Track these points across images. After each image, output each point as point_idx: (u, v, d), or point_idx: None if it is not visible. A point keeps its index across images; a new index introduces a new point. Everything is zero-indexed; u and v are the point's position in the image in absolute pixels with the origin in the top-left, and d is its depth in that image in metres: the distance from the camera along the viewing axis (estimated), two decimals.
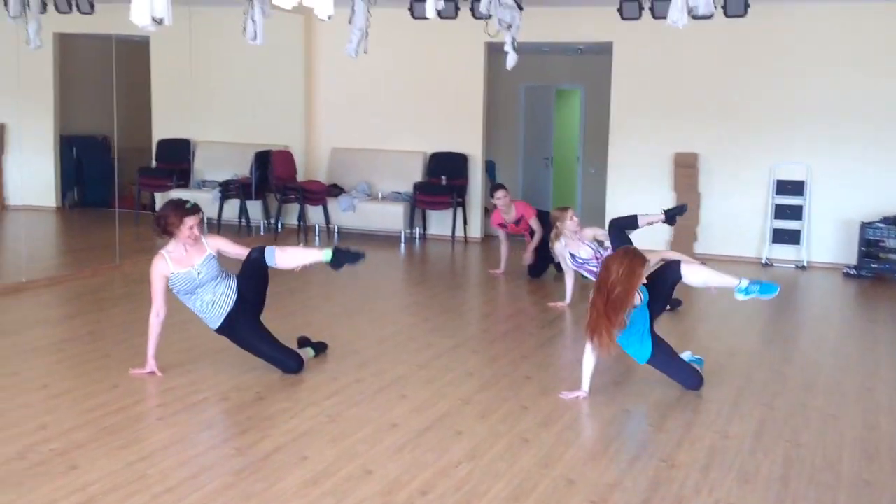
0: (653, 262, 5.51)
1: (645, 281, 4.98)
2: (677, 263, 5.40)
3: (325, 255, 5.41)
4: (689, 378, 5.22)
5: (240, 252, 5.48)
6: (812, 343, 6.67)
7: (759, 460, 4.26)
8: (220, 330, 5.42)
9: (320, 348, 5.87)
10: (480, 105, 11.08)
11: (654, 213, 7.81)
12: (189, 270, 5.29)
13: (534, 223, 8.69)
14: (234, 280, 5.43)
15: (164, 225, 5.27)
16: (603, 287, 4.89)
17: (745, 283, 5.31)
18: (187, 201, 5.34)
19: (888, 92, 9.51)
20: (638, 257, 4.94)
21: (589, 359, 5.08)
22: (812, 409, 5.04)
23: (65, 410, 4.70)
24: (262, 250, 5.39)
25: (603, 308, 4.84)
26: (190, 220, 5.24)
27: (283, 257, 5.39)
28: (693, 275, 5.35)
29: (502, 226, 8.83)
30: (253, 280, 5.45)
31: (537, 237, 8.62)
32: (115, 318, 6.85)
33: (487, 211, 11.63)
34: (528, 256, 8.65)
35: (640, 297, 5.00)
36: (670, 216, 7.62)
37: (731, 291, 5.37)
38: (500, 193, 8.72)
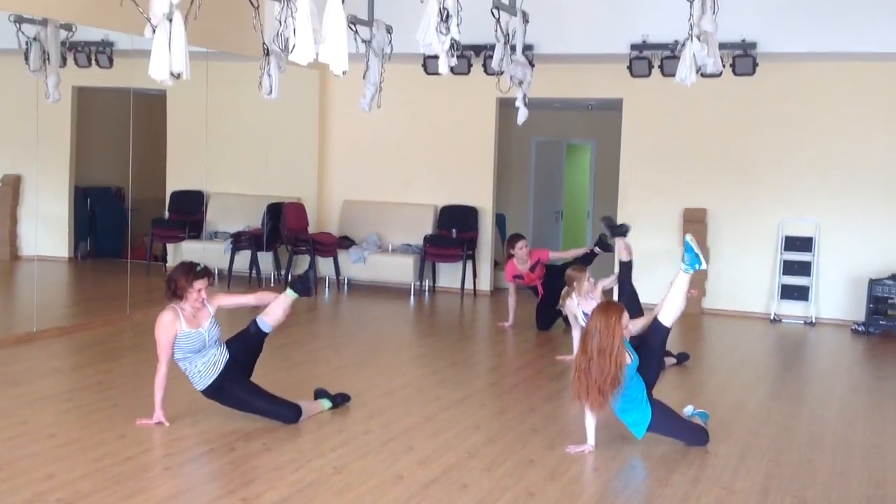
0: (641, 324, 5.45)
1: (629, 335, 4.99)
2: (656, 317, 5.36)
3: (289, 293, 5.62)
4: (696, 436, 5.21)
5: (240, 301, 5.74)
6: (819, 399, 6.65)
7: None
8: (208, 390, 5.44)
9: (340, 400, 5.89)
10: (491, 159, 11.20)
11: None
12: (199, 331, 5.34)
13: (552, 256, 8.96)
14: (224, 344, 5.51)
15: (175, 289, 5.35)
16: (584, 344, 4.93)
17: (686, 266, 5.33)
18: (198, 264, 5.42)
19: (894, 149, 9.57)
20: (614, 306, 4.99)
21: (591, 414, 5.09)
22: (818, 465, 5.02)
23: (72, 460, 4.73)
24: (255, 324, 5.56)
25: (586, 364, 4.87)
26: (199, 284, 5.32)
27: (269, 318, 5.55)
28: (667, 312, 5.21)
29: (518, 277, 8.83)
30: (247, 346, 5.59)
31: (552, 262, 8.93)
32: (125, 368, 6.89)
33: (498, 264, 11.69)
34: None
35: (630, 357, 4.99)
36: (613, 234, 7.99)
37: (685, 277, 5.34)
38: (521, 244, 8.74)
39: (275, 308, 5.58)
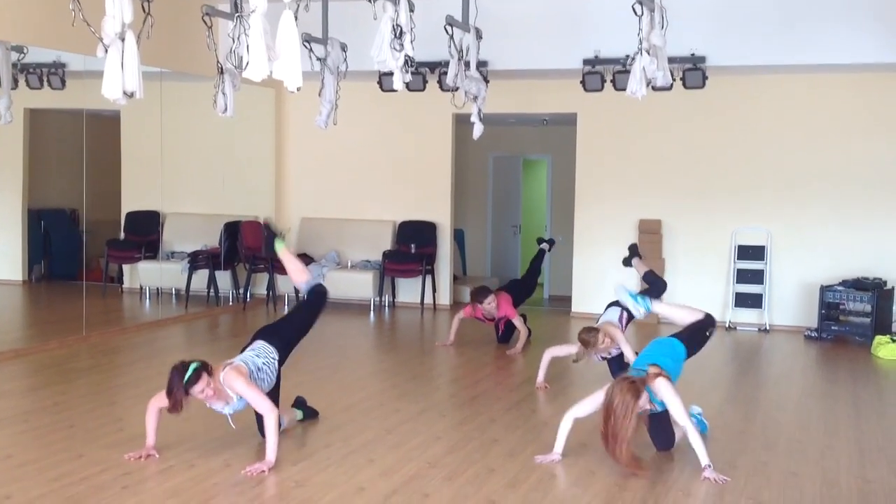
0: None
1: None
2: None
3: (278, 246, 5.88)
4: (668, 441, 5.28)
5: (257, 403, 5.02)
6: (773, 403, 6.77)
7: None
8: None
9: (311, 414, 5.91)
10: (449, 175, 11.27)
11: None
12: (223, 410, 5.12)
13: (518, 324, 8.63)
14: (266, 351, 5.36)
15: (176, 405, 4.88)
16: (606, 416, 4.87)
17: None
18: (186, 368, 4.88)
19: (845, 158, 9.81)
20: (630, 390, 4.83)
21: (567, 422, 5.13)
22: (773, 467, 5.12)
23: (29, 480, 4.68)
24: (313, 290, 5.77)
25: (607, 435, 4.86)
26: (197, 388, 4.88)
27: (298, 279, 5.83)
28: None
29: (480, 319, 8.71)
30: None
31: (522, 336, 8.57)
32: (81, 389, 6.82)
33: (457, 278, 11.75)
34: (517, 352, 8.46)
35: (653, 406, 5.01)
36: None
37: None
38: (490, 299, 8.46)
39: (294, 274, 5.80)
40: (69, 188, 10.07)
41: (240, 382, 4.98)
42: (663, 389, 4.96)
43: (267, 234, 5.97)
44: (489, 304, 8.48)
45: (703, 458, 4.86)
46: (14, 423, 5.82)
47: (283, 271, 11.12)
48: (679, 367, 5.28)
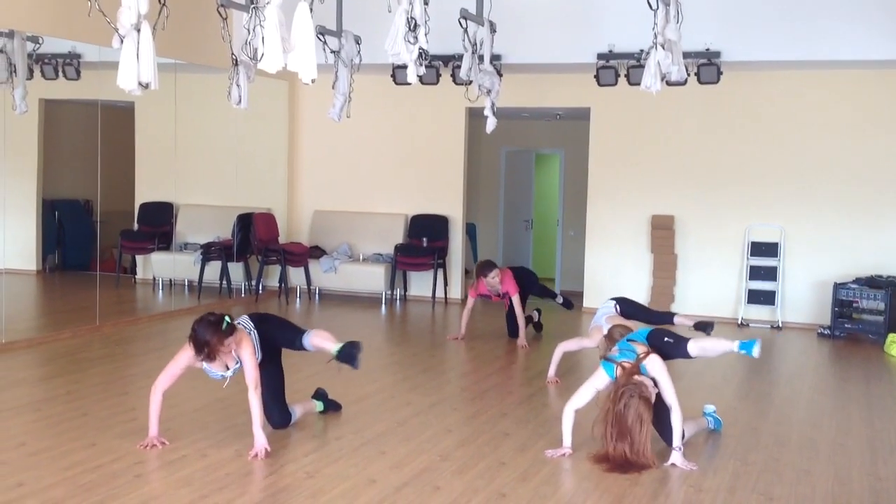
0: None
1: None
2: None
3: (333, 350, 5.49)
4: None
5: (251, 372, 5.11)
6: (786, 400, 6.75)
7: None
8: None
9: (333, 407, 5.94)
10: (461, 168, 11.26)
11: (690, 315, 7.93)
12: (223, 374, 5.20)
13: (515, 302, 8.63)
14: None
15: (207, 352, 4.99)
16: (621, 431, 4.85)
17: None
18: (220, 320, 5.00)
19: (860, 155, 9.76)
20: (645, 405, 4.86)
21: (569, 415, 5.14)
22: (785, 463, 5.10)
23: (42, 468, 4.70)
24: (301, 341, 5.47)
25: (613, 440, 4.86)
26: (231, 340, 5.02)
27: (314, 343, 5.49)
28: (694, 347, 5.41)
29: (484, 296, 8.76)
30: (280, 344, 5.57)
31: (521, 320, 8.59)
32: (94, 378, 6.85)
33: (468, 272, 11.75)
34: (522, 345, 8.48)
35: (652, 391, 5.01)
36: (698, 327, 7.29)
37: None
38: (493, 273, 8.51)
39: (323, 344, 5.50)
40: (83, 179, 10.11)
41: (248, 344, 5.10)
42: (657, 367, 5.02)
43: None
44: (493, 279, 8.54)
45: (677, 440, 4.92)
46: (27, 411, 5.86)
47: (295, 264, 11.18)
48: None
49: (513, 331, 8.81)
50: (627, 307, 7.27)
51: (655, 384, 5.02)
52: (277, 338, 5.48)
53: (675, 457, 4.89)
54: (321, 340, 5.50)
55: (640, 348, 5.13)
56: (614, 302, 7.21)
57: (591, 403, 5.18)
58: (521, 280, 8.88)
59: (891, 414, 6.35)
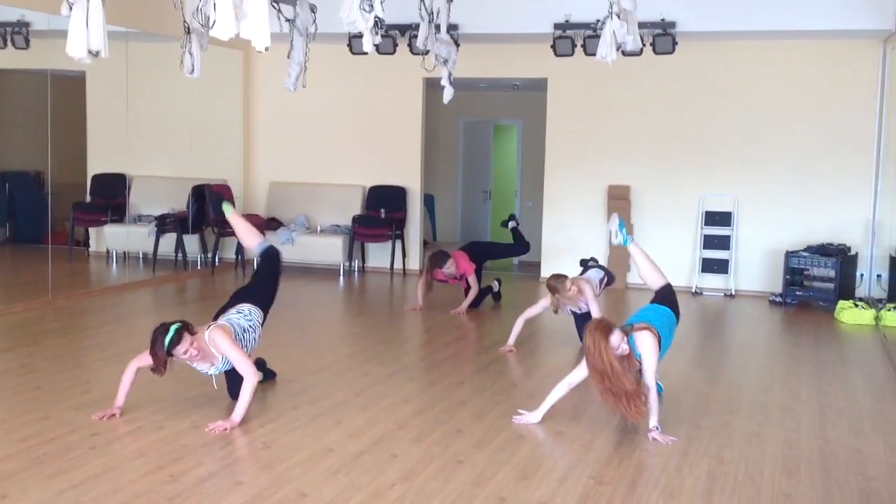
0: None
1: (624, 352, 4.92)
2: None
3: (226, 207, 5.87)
4: None
5: (241, 364, 5.03)
6: (737, 366, 6.86)
7: (685, 476, 4.39)
8: None
9: (269, 376, 5.92)
10: (419, 139, 11.23)
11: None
12: (208, 371, 5.15)
13: (472, 280, 8.71)
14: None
15: (160, 366, 4.90)
16: (593, 373, 4.88)
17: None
18: (167, 329, 4.85)
19: (811, 126, 9.89)
20: (598, 329, 4.85)
21: (560, 389, 5.15)
22: (736, 428, 5.20)
23: None
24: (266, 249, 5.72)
25: (601, 386, 4.84)
26: (181, 349, 4.87)
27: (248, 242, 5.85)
28: (650, 279, 5.65)
29: (442, 280, 8.78)
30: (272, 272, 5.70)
31: (472, 293, 8.70)
32: (48, 352, 6.78)
33: (427, 243, 11.77)
34: (461, 312, 8.61)
35: (637, 363, 5.00)
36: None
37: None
38: (448, 263, 8.55)
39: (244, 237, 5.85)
40: (34, 150, 9.94)
41: (225, 342, 5.00)
42: (646, 343, 4.97)
43: (212, 198, 5.97)
44: (448, 269, 8.58)
45: (653, 420, 4.94)
46: None
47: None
48: (672, 334, 5.36)
49: (472, 302, 8.80)
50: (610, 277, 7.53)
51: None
52: (270, 295, 5.58)
53: (655, 434, 4.91)
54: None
55: (642, 324, 5.06)
56: (603, 272, 7.44)
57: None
58: (475, 255, 8.89)
59: (840, 379, 6.49)
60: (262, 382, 5.80)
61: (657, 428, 4.92)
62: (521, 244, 9.61)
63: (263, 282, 5.73)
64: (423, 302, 8.79)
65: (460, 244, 11.21)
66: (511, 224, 9.72)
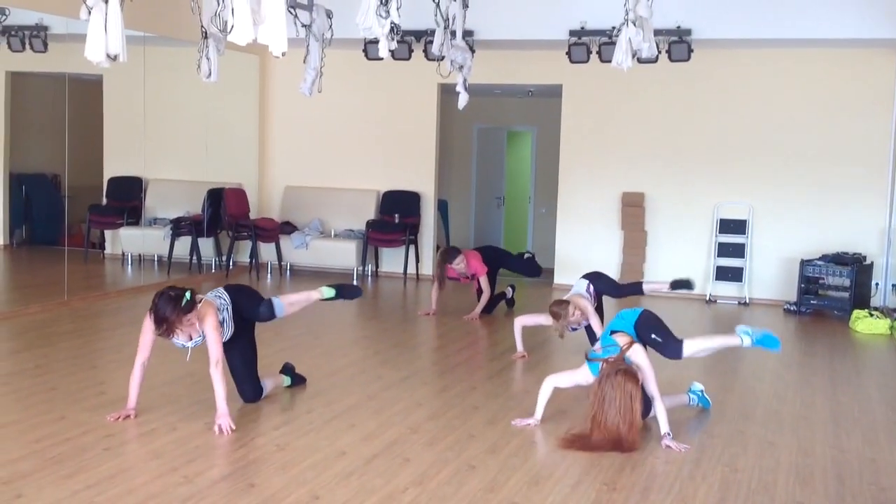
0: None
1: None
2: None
3: (324, 292, 5.77)
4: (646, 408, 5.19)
5: (213, 345, 5.08)
6: (751, 374, 6.84)
7: (698, 484, 4.38)
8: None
9: (298, 381, 5.94)
10: (433, 145, 11.25)
11: (659, 281, 8.23)
12: (185, 344, 5.17)
13: (483, 282, 8.67)
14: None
15: (166, 328, 4.96)
16: (599, 398, 4.83)
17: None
18: (181, 295, 4.94)
19: (827, 135, 9.86)
20: (632, 381, 4.82)
21: (547, 389, 5.19)
22: (750, 435, 5.19)
23: (10, 441, 4.68)
24: (270, 306, 5.43)
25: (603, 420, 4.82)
26: (192, 315, 5.00)
27: (288, 307, 5.58)
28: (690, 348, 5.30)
29: (454, 278, 8.78)
30: (247, 316, 5.46)
31: (485, 296, 8.68)
32: (63, 353, 6.82)
33: (439, 247, 11.77)
34: (473, 317, 8.61)
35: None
36: (675, 285, 7.47)
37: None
38: (458, 259, 8.53)
39: (301, 300, 5.67)
40: (51, 153, 10.00)
41: (212, 318, 5.06)
42: (640, 357, 5.03)
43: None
44: (458, 265, 8.57)
45: (664, 427, 4.93)
46: None
47: (266, 239, 11.15)
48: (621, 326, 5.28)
49: (486, 308, 8.78)
50: (600, 284, 7.30)
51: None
52: (248, 310, 5.44)
53: (668, 441, 4.90)
54: (299, 298, 5.67)
55: (623, 339, 5.08)
56: (587, 282, 7.17)
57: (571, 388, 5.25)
58: (489, 258, 8.88)
59: (854, 388, 6.46)
60: (290, 387, 5.84)
61: (669, 434, 4.91)
62: (533, 267, 9.39)
63: (248, 311, 5.47)
64: (436, 307, 8.79)
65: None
66: (527, 255, 9.57)
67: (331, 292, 5.76)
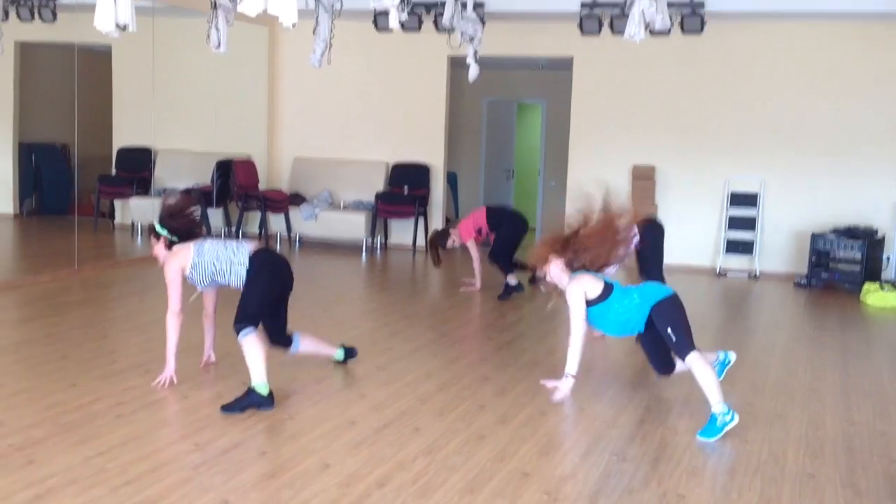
0: None
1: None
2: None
3: (338, 354, 5.69)
4: (667, 365, 5.14)
5: (169, 292, 5.04)
6: (762, 347, 6.83)
7: (707, 455, 4.39)
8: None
9: (351, 354, 5.81)
10: (443, 117, 11.20)
11: None
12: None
13: (471, 248, 8.52)
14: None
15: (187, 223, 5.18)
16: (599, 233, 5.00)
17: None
18: (159, 221, 5.15)
19: (839, 108, 9.78)
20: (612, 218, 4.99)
21: (577, 340, 5.03)
22: (760, 408, 5.18)
23: (22, 408, 4.71)
24: (292, 339, 5.37)
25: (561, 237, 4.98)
26: (155, 243, 5.17)
27: (303, 348, 5.43)
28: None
29: (477, 232, 8.52)
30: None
31: (475, 264, 8.56)
32: (74, 322, 6.84)
33: (449, 221, 11.77)
34: (470, 286, 8.60)
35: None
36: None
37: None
38: (450, 241, 8.60)
39: (319, 349, 5.60)
40: (60, 123, 10.00)
41: (169, 265, 5.02)
42: (572, 286, 5.01)
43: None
44: (452, 245, 8.60)
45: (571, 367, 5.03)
46: (6, 353, 5.85)
47: (275, 210, 11.14)
48: (626, 322, 5.01)
49: (502, 296, 8.53)
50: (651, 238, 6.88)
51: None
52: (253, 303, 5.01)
53: (565, 382, 5.01)
54: (315, 347, 5.57)
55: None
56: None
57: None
58: (494, 217, 8.57)
59: (865, 361, 6.45)
60: (340, 363, 5.76)
61: (568, 376, 4.99)
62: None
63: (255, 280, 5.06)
64: (479, 283, 8.61)
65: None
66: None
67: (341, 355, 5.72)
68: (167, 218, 5.16)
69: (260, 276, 4.96)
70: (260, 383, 4.78)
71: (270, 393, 4.80)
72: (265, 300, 5.00)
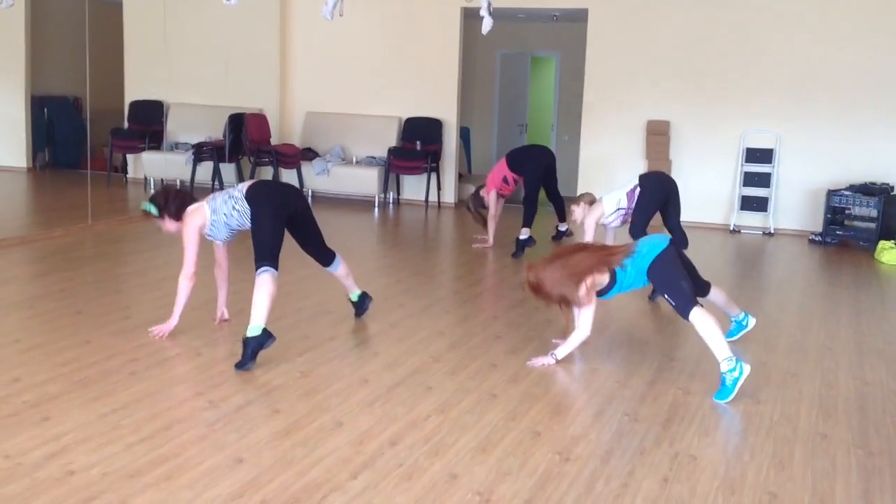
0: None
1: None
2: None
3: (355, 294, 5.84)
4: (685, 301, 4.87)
5: (185, 251, 5.18)
6: (775, 305, 6.80)
7: (719, 415, 4.39)
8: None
9: (361, 308, 5.91)
10: (456, 71, 11.10)
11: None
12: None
13: (491, 201, 8.54)
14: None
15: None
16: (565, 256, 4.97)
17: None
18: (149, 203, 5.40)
19: (856, 64, 9.63)
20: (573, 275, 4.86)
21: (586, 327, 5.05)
22: (773, 367, 5.17)
23: (37, 364, 4.74)
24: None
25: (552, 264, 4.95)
26: (160, 223, 5.39)
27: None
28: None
29: (505, 181, 8.50)
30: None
31: (490, 224, 8.58)
32: (87, 277, 6.86)
33: (462, 176, 11.71)
34: (486, 243, 8.59)
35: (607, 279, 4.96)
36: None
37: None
38: (479, 201, 8.64)
39: (349, 281, 5.85)
40: (72, 76, 9.96)
41: (186, 227, 5.16)
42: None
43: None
44: (487, 201, 8.54)
45: (561, 354, 5.06)
46: (20, 308, 5.88)
47: (288, 165, 11.11)
48: (644, 269, 4.94)
49: (515, 253, 8.40)
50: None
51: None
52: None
53: (547, 360, 5.04)
54: (347, 276, 5.79)
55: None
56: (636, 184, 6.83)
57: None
58: (520, 163, 8.51)
59: (879, 320, 6.42)
60: (354, 303, 5.89)
61: (552, 355, 5.04)
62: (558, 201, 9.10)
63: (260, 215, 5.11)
64: (492, 239, 8.62)
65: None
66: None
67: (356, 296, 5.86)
68: (164, 204, 5.28)
69: (257, 209, 5.04)
70: (254, 326, 4.79)
71: (265, 330, 4.80)
72: (271, 228, 5.03)
